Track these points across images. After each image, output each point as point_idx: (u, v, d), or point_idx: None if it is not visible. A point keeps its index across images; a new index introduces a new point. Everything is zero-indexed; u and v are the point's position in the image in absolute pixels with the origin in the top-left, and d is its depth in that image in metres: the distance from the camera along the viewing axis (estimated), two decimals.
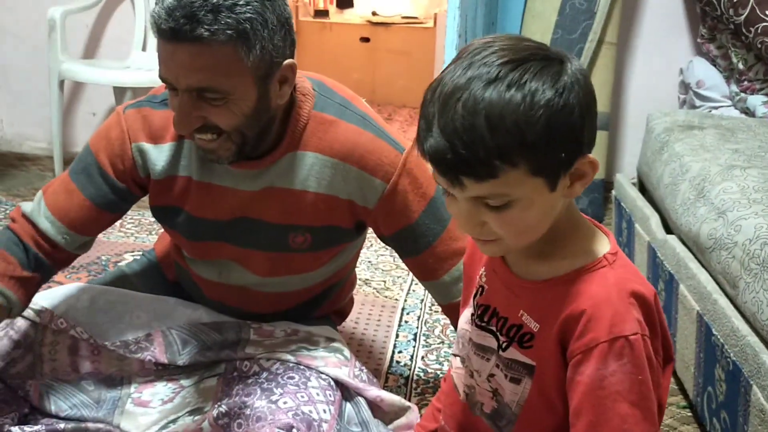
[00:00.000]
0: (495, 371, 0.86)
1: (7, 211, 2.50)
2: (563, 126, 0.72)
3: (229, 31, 0.95)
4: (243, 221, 1.18)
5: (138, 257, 1.50)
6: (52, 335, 1.26)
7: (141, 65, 2.88)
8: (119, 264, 1.42)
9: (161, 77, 1.02)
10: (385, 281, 2.07)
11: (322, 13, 5.00)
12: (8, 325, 1.25)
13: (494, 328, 0.87)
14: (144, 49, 2.99)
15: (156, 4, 0.97)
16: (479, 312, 0.90)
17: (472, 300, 0.93)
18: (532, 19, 2.55)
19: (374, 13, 5.03)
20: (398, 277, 2.10)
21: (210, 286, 1.30)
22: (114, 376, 1.27)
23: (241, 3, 0.96)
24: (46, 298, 1.28)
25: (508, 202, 0.74)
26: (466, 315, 0.94)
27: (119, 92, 3.06)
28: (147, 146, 1.17)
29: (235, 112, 1.02)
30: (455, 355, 0.97)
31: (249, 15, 0.96)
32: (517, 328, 0.84)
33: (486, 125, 0.69)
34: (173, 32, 0.95)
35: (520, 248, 0.81)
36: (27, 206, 1.19)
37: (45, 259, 1.18)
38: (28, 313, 1.24)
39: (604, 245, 0.82)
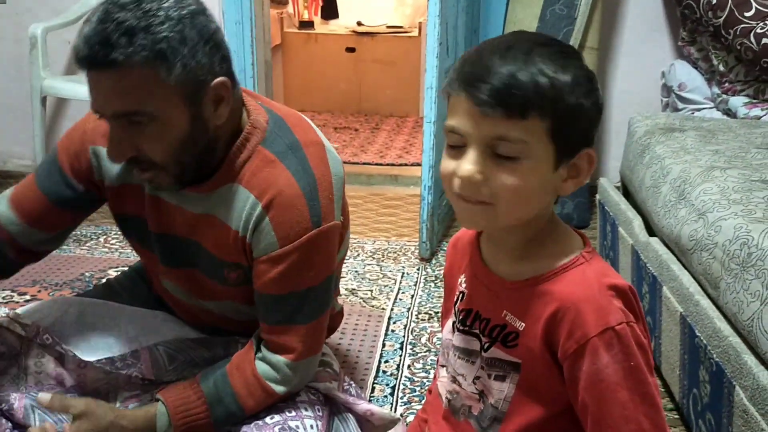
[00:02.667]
0: (480, 373, 0.88)
1: None
2: (592, 107, 0.79)
3: (144, 53, 0.93)
4: (191, 243, 1.17)
5: (125, 270, 1.49)
6: (37, 348, 1.25)
7: None
8: (108, 277, 1.41)
9: (92, 108, 1.01)
10: (371, 291, 2.06)
11: (307, 24, 5.02)
12: None
13: (477, 331, 0.89)
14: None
15: (77, 37, 0.97)
16: (461, 317, 0.91)
17: (454, 307, 0.94)
18: (513, 27, 2.56)
19: (359, 23, 5.05)
20: (385, 287, 2.09)
21: (180, 305, 1.29)
22: (100, 390, 1.26)
23: (156, 23, 0.94)
24: (33, 311, 1.27)
25: (518, 155, 0.76)
26: (448, 325, 0.96)
27: None
28: (104, 150, 1.14)
29: (167, 138, 1.00)
30: (442, 366, 0.98)
31: (165, 34, 0.94)
32: (501, 328, 0.85)
33: (538, 71, 0.75)
34: (90, 60, 0.94)
35: (504, 222, 0.81)
36: None
37: (6, 247, 1.19)
38: (13, 326, 1.23)
39: (579, 244, 0.85)
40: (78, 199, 1.19)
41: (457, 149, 0.79)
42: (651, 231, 1.70)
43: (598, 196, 2.15)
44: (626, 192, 2.06)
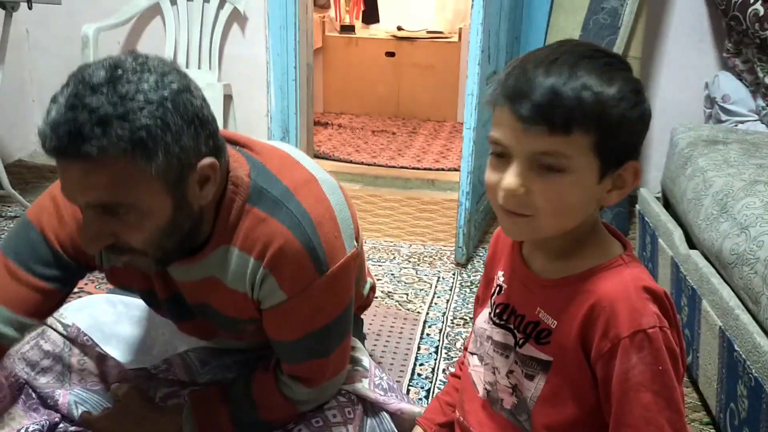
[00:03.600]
0: (514, 368, 0.90)
1: None
2: (639, 119, 0.79)
3: (122, 144, 0.82)
4: (202, 306, 1.13)
5: None
6: (80, 347, 1.29)
7: None
8: None
9: (63, 194, 0.90)
10: (407, 294, 2.08)
11: (348, 29, 5.06)
12: (39, 335, 1.28)
13: (512, 326, 0.91)
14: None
15: (42, 119, 0.85)
16: (498, 310, 0.94)
17: (490, 299, 0.97)
18: (555, 35, 2.56)
19: (399, 28, 5.08)
20: (420, 290, 2.11)
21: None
22: (140, 386, 1.30)
23: (134, 108, 0.83)
24: (73, 311, 1.31)
25: (561, 169, 0.77)
26: (484, 314, 0.98)
27: None
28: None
29: (147, 226, 0.90)
30: (471, 353, 1.00)
31: (145, 122, 0.83)
32: (534, 325, 0.87)
33: (582, 86, 0.75)
34: (58, 151, 0.83)
35: (547, 233, 0.83)
36: None
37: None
38: (56, 326, 1.28)
39: (619, 248, 0.87)
40: (72, 272, 1.09)
41: (500, 159, 0.81)
42: (691, 243, 1.69)
43: (638, 207, 2.14)
44: (667, 203, 2.05)
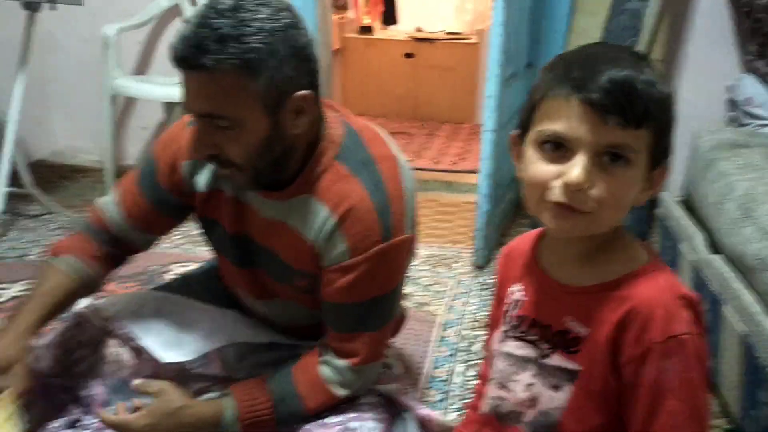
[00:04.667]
0: (533, 380, 0.88)
1: (61, 222, 2.59)
2: (673, 122, 0.81)
3: (233, 61, 0.96)
4: (264, 248, 1.20)
5: (200, 265, 1.54)
6: (116, 339, 1.31)
7: None
8: (181, 272, 1.48)
9: (183, 106, 1.05)
10: (425, 296, 2.08)
11: (366, 30, 5.07)
12: (75, 325, 1.29)
13: (535, 338, 0.89)
14: None
15: (177, 37, 1.00)
16: (516, 324, 0.92)
17: (504, 316, 0.95)
18: (576, 37, 2.54)
19: (418, 29, 5.08)
20: (438, 293, 2.11)
21: (248, 303, 1.33)
22: (173, 381, 1.30)
23: (248, 33, 0.96)
24: (113, 304, 1.33)
25: (626, 163, 0.77)
26: (497, 336, 0.96)
27: (169, 107, 3.15)
28: (194, 163, 1.21)
29: (245, 141, 1.03)
30: (483, 375, 0.99)
31: (255, 45, 0.97)
32: (563, 334, 0.86)
33: (650, 82, 0.76)
34: (183, 60, 0.98)
35: (601, 229, 0.81)
36: (101, 200, 1.29)
37: (115, 243, 1.27)
38: (95, 318, 1.30)
39: (645, 254, 0.86)
40: (175, 206, 1.25)
41: (556, 153, 0.77)
42: (713, 248, 1.67)
43: (659, 210, 2.12)
44: (688, 207, 2.02)
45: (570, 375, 0.84)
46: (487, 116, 2.15)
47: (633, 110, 0.74)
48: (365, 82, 4.86)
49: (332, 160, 1.12)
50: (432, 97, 4.83)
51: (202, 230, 1.30)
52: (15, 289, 1.97)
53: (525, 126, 0.83)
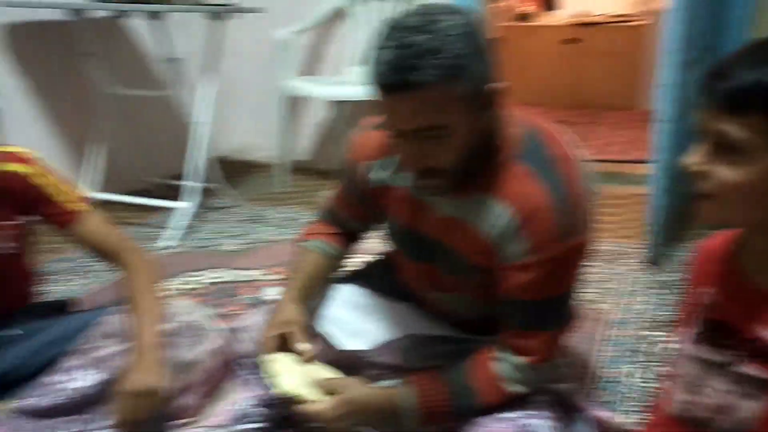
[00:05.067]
0: (727, 387, 0.86)
1: (244, 213, 2.81)
2: None
3: (442, 71, 0.99)
4: (438, 244, 1.24)
5: (377, 257, 1.61)
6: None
7: (355, 80, 3.08)
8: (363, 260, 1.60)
9: (383, 126, 1.09)
10: (594, 293, 2.03)
11: (525, 17, 4.98)
12: (265, 312, 1.40)
13: (728, 344, 0.86)
14: (358, 65, 3.19)
15: (371, 63, 1.03)
16: (710, 328, 0.89)
17: (695, 319, 0.92)
18: (762, 17, 2.34)
19: (581, 14, 4.90)
20: (608, 290, 2.05)
21: (421, 295, 1.38)
22: (350, 365, 1.37)
23: (447, 42, 0.99)
24: None
25: (741, 152, 0.77)
26: (689, 335, 0.93)
27: (336, 105, 3.30)
28: (373, 163, 1.28)
29: (453, 146, 1.07)
30: (672, 376, 0.96)
31: (457, 52, 1.00)
32: (758, 342, 0.82)
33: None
34: (392, 85, 1.01)
35: (729, 221, 0.83)
36: (328, 192, 1.46)
37: (345, 226, 1.43)
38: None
39: None
40: (367, 199, 1.35)
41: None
42: None
43: None
44: None
45: (765, 385, 0.81)
46: (663, 105, 2.05)
47: (741, 101, 0.76)
48: (523, 71, 4.78)
49: (513, 159, 1.13)
50: (595, 83, 4.67)
51: (381, 223, 1.37)
52: (209, 276, 2.16)
53: None
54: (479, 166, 1.13)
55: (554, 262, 1.11)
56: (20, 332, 1.39)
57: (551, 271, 1.12)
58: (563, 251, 1.11)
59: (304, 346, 1.24)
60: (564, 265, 1.13)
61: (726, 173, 0.77)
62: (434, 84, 1.00)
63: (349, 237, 1.45)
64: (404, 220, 1.28)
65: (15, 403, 1.24)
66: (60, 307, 1.54)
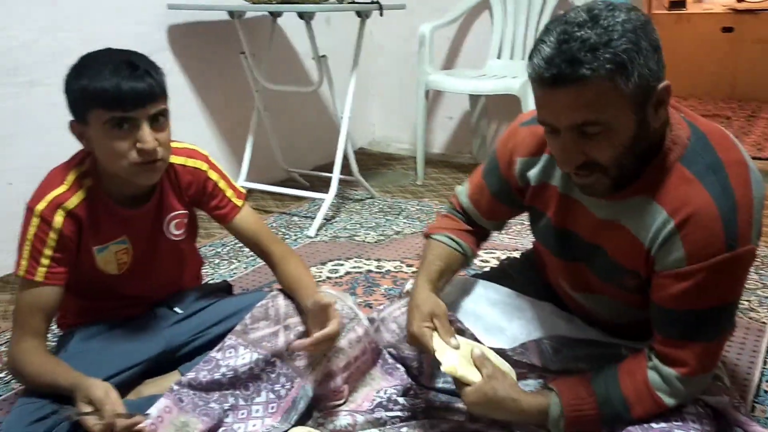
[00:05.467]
0: None
1: (380, 205, 2.87)
2: None
3: (608, 65, 0.97)
4: (591, 245, 1.21)
5: (518, 255, 1.62)
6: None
7: (495, 73, 3.05)
8: (501, 259, 1.60)
9: (540, 121, 1.08)
10: (749, 301, 1.90)
11: (677, 4, 4.70)
12: (407, 304, 1.42)
13: None
14: (499, 57, 3.16)
15: (533, 57, 1.02)
16: None
17: None
18: None
19: (740, 0, 4.56)
20: (766, 298, 1.90)
21: (566, 294, 1.36)
22: None
23: (616, 36, 0.98)
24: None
25: None
26: None
27: (473, 99, 3.28)
28: (528, 159, 1.27)
29: (615, 143, 1.04)
30: None
31: (625, 46, 0.98)
32: None
33: None
34: (555, 78, 1.00)
35: None
36: (459, 188, 1.46)
37: (473, 224, 1.44)
38: None
39: None
40: (511, 197, 1.34)
41: None
42: None
43: None
44: None
45: None
46: None
47: None
48: (674, 61, 4.49)
49: (676, 162, 1.09)
50: (753, 74, 4.34)
51: (530, 219, 1.36)
52: (348, 266, 2.24)
53: None
54: (641, 166, 1.10)
55: (714, 271, 1.05)
56: (180, 312, 1.51)
57: (710, 281, 1.06)
58: (724, 261, 1.05)
59: (454, 341, 1.24)
60: (724, 276, 1.07)
61: None
62: (600, 78, 0.98)
63: (477, 235, 1.44)
64: (557, 220, 1.26)
65: (180, 377, 1.35)
66: (225, 289, 1.67)
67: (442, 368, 1.18)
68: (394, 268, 2.20)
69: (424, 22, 3.07)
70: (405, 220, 2.69)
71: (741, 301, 1.87)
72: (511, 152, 1.30)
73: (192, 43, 2.76)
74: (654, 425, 1.12)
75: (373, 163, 3.52)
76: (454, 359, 1.19)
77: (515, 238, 2.44)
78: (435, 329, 1.25)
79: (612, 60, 0.97)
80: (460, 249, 1.39)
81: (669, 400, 1.13)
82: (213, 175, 1.48)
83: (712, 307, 1.09)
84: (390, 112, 3.68)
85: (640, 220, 1.11)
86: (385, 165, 3.51)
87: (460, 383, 1.19)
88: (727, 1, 4.63)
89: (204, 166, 1.47)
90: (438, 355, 1.19)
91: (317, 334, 1.30)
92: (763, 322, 1.78)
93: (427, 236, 1.44)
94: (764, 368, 1.58)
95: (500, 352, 1.34)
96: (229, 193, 1.50)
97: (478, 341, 1.35)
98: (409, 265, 2.21)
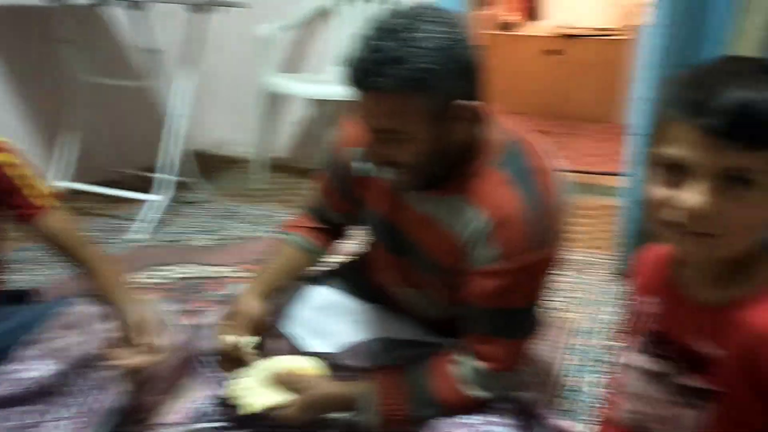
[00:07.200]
0: (669, 397, 0.86)
1: (219, 209, 2.79)
2: None
3: (405, 82, 1.01)
4: (411, 241, 1.25)
5: (348, 258, 1.61)
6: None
7: (336, 79, 3.07)
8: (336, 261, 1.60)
9: (360, 117, 1.12)
10: (561, 302, 2.04)
11: (509, 26, 5.00)
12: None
13: (669, 355, 0.87)
14: (339, 64, 3.19)
15: (348, 59, 1.05)
16: (650, 338, 0.90)
17: (639, 328, 0.93)
18: (738, 37, 2.37)
19: (564, 25, 4.95)
20: (575, 299, 2.06)
21: (395, 292, 1.38)
22: None
23: (417, 54, 1.00)
24: None
25: (752, 186, 0.73)
26: (632, 345, 0.94)
27: (317, 103, 3.29)
28: (356, 150, 1.28)
29: (413, 151, 1.09)
30: (618, 386, 0.97)
31: (426, 66, 1.00)
32: (695, 353, 0.83)
33: None
34: (359, 83, 1.04)
35: (731, 252, 0.78)
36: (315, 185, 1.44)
37: (328, 222, 1.44)
38: None
39: None
40: (349, 189, 1.35)
41: (674, 177, 0.76)
42: None
43: None
44: None
45: (704, 395, 0.82)
46: (637, 119, 2.07)
47: (754, 133, 0.71)
48: (505, 79, 4.79)
49: (492, 165, 1.14)
50: (575, 95, 4.70)
51: (362, 213, 1.37)
52: (178, 271, 2.14)
53: (650, 144, 0.81)
54: (453, 169, 1.14)
55: (521, 271, 1.11)
56: None
57: (518, 280, 1.12)
58: (531, 261, 1.11)
59: (247, 339, 1.26)
60: (530, 276, 1.14)
61: (737, 212, 0.74)
62: (396, 92, 1.01)
63: (331, 232, 1.45)
64: (385, 213, 1.29)
65: None
66: (19, 297, 1.52)
67: (244, 412, 1.21)
68: (231, 273, 2.14)
69: (267, 23, 3.02)
70: (244, 225, 2.63)
71: (555, 302, 2.02)
72: (343, 144, 1.32)
73: (6, 29, 2.52)
74: (464, 419, 1.16)
75: (213, 165, 3.41)
76: (257, 398, 1.21)
77: None
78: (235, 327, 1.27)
79: (410, 77, 1.00)
80: (308, 247, 1.41)
81: (476, 393, 1.18)
82: (10, 170, 1.32)
83: (518, 305, 1.16)
84: (232, 114, 3.59)
85: (455, 219, 1.16)
86: (226, 168, 3.41)
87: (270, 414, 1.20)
88: (554, 26, 5.01)
89: (1, 158, 1.32)
90: (240, 403, 1.21)
91: (135, 347, 1.24)
92: (573, 322, 1.92)
93: (276, 234, 1.45)
94: (572, 365, 1.70)
95: (326, 356, 1.34)
96: (29, 191, 1.35)
97: (296, 348, 1.34)
98: (246, 270, 2.15)
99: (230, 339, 1.27)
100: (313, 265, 1.46)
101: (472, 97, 1.08)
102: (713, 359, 0.81)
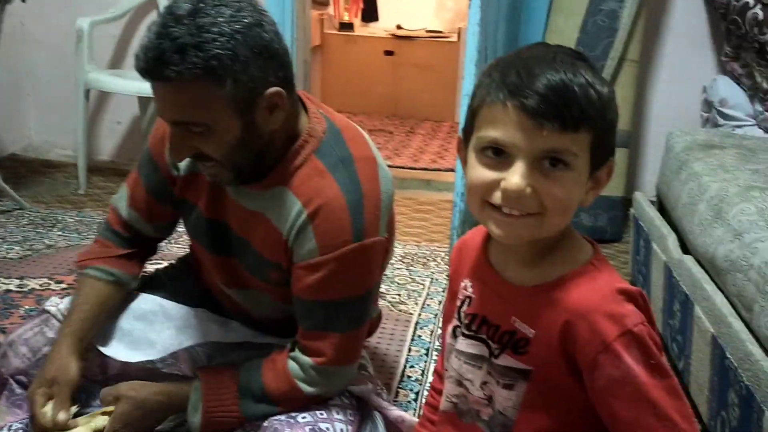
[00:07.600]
0: (487, 378, 0.88)
1: (31, 218, 2.54)
2: (615, 121, 0.81)
3: (196, 70, 0.95)
4: (239, 238, 1.20)
5: (173, 262, 1.51)
6: None
7: None
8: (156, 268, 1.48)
9: (157, 112, 1.06)
10: (399, 295, 2.07)
11: (346, 26, 5.05)
12: (43, 322, 1.28)
13: (485, 336, 0.88)
14: None
15: (139, 48, 0.99)
16: (467, 321, 0.91)
17: (457, 312, 0.94)
18: (553, 37, 2.55)
19: (399, 27, 5.07)
20: (413, 291, 2.10)
21: (222, 293, 1.32)
22: (141, 378, 1.29)
23: (208, 39, 0.95)
24: None
25: (567, 167, 0.76)
26: (450, 330, 0.96)
27: (144, 102, 3.11)
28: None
29: (220, 142, 1.03)
30: (440, 371, 0.98)
31: (216, 52, 0.96)
32: (511, 335, 0.85)
33: (588, 83, 0.76)
34: (147, 72, 0.98)
35: (548, 233, 0.81)
36: (115, 197, 1.31)
37: (134, 239, 1.30)
38: (59, 317, 1.27)
39: (589, 252, 0.86)
40: (167, 193, 1.24)
41: (496, 158, 0.78)
42: (685, 249, 1.68)
43: (632, 211, 2.13)
44: (662, 207, 2.04)
45: (522, 375, 0.84)
46: (465, 115, 2.15)
47: (569, 115, 0.74)
48: (345, 79, 4.83)
49: (311, 154, 1.11)
50: (411, 95, 4.83)
51: (181, 214, 1.29)
52: None
53: (468, 130, 0.83)
54: (275, 160, 1.10)
55: (344, 262, 1.09)
56: None
57: (341, 271, 1.10)
58: (353, 252, 1.09)
59: (62, 415, 1.14)
60: (355, 267, 1.11)
61: (555, 191, 0.76)
62: (190, 81, 0.96)
63: (137, 255, 1.32)
64: (209, 211, 1.21)
65: None
66: None
67: None
68: (40, 286, 1.95)
69: (87, 16, 2.81)
70: (60, 233, 2.42)
71: (393, 295, 2.04)
72: (162, 139, 1.21)
73: None
74: (299, 419, 1.13)
75: (27, 170, 3.13)
76: None
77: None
78: (52, 398, 1.15)
79: (201, 65, 0.95)
80: (114, 279, 1.27)
81: (307, 389, 1.15)
82: None
83: (344, 297, 1.13)
84: (49, 114, 3.31)
85: (279, 212, 1.12)
86: (42, 173, 3.13)
87: None
88: (389, 27, 5.12)
89: None
90: None
91: None
92: (410, 314, 1.95)
93: (78, 272, 1.29)
94: (409, 356, 1.73)
95: (148, 366, 1.25)
96: None
97: (117, 361, 1.25)
98: (58, 282, 1.98)
99: (49, 415, 1.14)
100: (126, 292, 1.31)
101: (281, 85, 1.04)
102: (530, 340, 0.83)
